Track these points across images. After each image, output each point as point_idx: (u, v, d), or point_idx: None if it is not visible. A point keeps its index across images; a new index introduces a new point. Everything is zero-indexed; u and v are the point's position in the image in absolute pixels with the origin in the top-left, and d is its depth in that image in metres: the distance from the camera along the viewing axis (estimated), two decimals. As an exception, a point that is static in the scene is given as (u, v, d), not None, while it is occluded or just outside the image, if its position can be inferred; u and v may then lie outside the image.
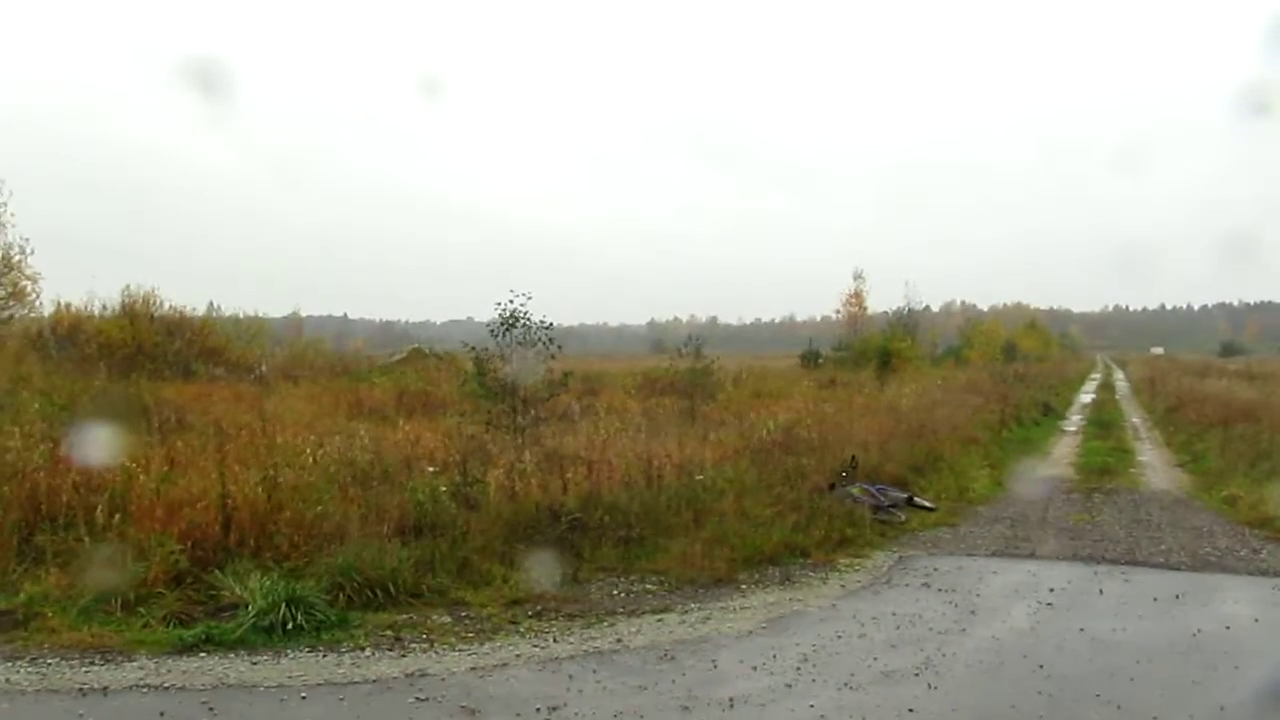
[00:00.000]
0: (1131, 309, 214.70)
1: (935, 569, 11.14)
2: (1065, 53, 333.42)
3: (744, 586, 10.25)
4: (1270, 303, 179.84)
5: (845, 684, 7.30)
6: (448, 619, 8.90)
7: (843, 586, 10.44)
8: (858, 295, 60.13)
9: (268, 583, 8.62)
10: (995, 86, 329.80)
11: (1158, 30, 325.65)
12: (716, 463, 14.17)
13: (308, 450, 12.52)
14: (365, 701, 6.94)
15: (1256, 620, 9.27)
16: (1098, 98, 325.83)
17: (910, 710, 6.76)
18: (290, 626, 8.21)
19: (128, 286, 33.46)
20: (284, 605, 8.33)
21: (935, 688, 7.25)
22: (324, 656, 7.87)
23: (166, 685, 7.17)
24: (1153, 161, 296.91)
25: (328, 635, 8.30)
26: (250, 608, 8.36)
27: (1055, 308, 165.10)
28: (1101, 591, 10.19)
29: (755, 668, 7.65)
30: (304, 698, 6.96)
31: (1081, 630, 8.73)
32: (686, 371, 25.88)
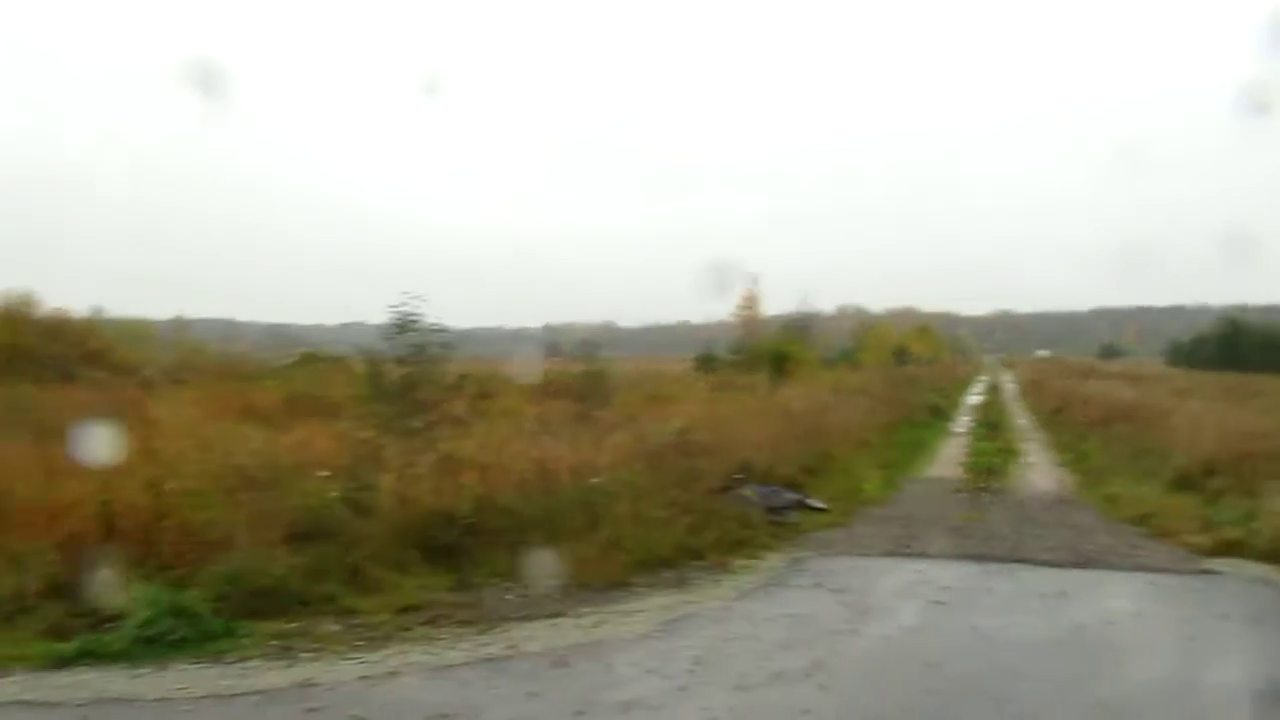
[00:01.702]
0: (1018, 312, 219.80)
1: (828, 570, 11.28)
2: (953, 57, 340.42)
3: (639, 590, 10.27)
4: (1148, 307, 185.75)
5: (738, 686, 7.35)
6: (338, 627, 8.78)
7: (736, 588, 10.51)
8: (751, 299, 60.53)
9: (151, 592, 8.40)
10: (883, 91, 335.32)
11: (1044, 38, 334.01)
12: (611, 466, 14.15)
13: (194, 456, 12.22)
14: (252, 713, 6.81)
15: (1136, 614, 9.60)
16: (985, 101, 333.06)
17: (803, 711, 6.84)
18: (174, 637, 8.03)
19: (5, 289, 32.44)
20: (168, 615, 8.14)
21: (827, 688, 7.34)
22: (209, 668, 7.71)
23: (43, 701, 6.97)
24: (1036, 169, 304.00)
25: (213, 646, 8.12)
26: (133, 618, 8.14)
27: (945, 311, 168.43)
28: (989, 589, 10.43)
29: (649, 671, 7.67)
30: (187, 711, 6.81)
31: (970, 628, 8.95)
32: (581, 375, 25.85)
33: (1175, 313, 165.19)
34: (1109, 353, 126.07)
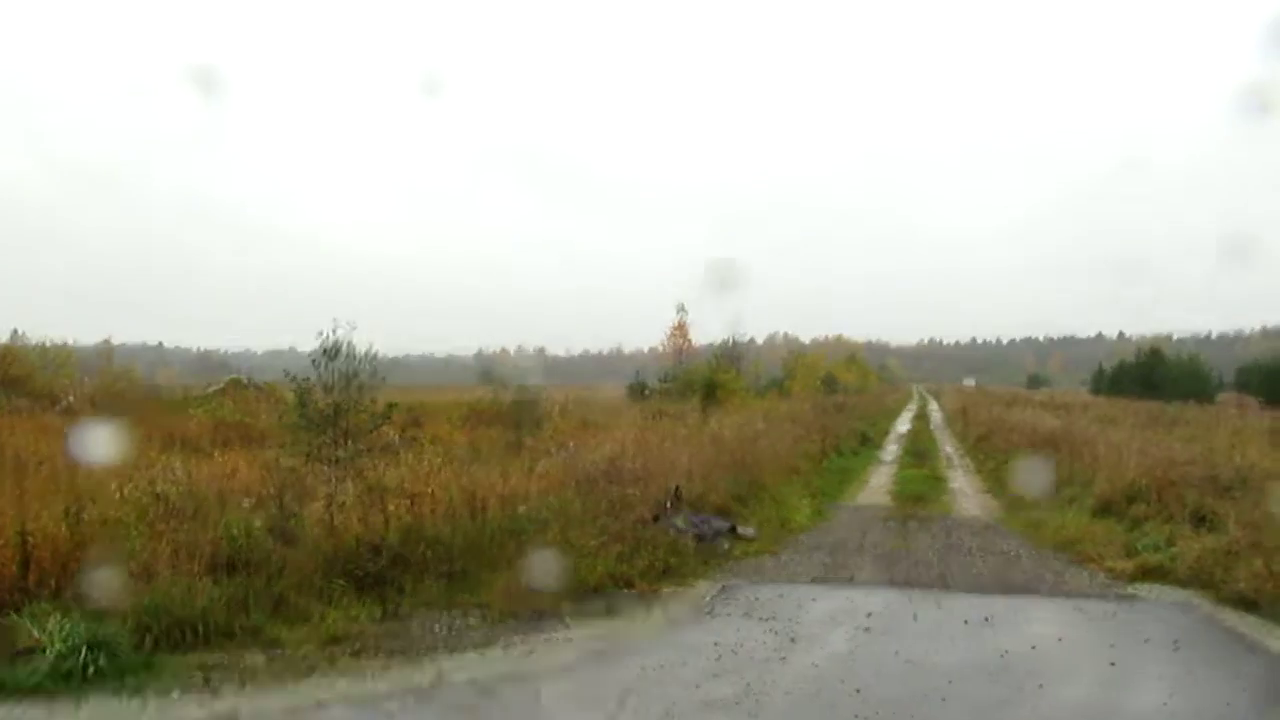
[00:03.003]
0: (945, 342, 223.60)
1: (757, 598, 11.30)
2: (882, 93, 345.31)
3: (568, 619, 10.20)
4: (1072, 337, 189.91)
5: (667, 714, 7.33)
6: (262, 658, 8.63)
7: (666, 616, 10.50)
8: (682, 327, 60.67)
9: (68, 625, 8.19)
10: (815, 127, 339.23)
11: (981, 74, 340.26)
12: (541, 494, 14.11)
13: (114, 484, 11.97)
14: (171, 747, 6.66)
15: (1060, 640, 9.68)
16: (918, 137, 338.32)
17: (731, 739, 6.83)
18: (92, 671, 7.83)
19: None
20: (85, 648, 7.93)
21: (756, 716, 7.35)
22: (128, 701, 7.53)
23: (-47, 737, 6.76)
24: (964, 204, 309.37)
25: (132, 679, 7.94)
26: (49, 651, 7.93)
27: (874, 340, 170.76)
28: (916, 616, 10.50)
29: (579, 701, 7.64)
30: (104, 745, 6.64)
31: (896, 654, 8.99)
32: (512, 403, 25.78)
33: (1098, 343, 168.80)
34: (1035, 382, 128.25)
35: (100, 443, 13.08)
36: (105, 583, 9.23)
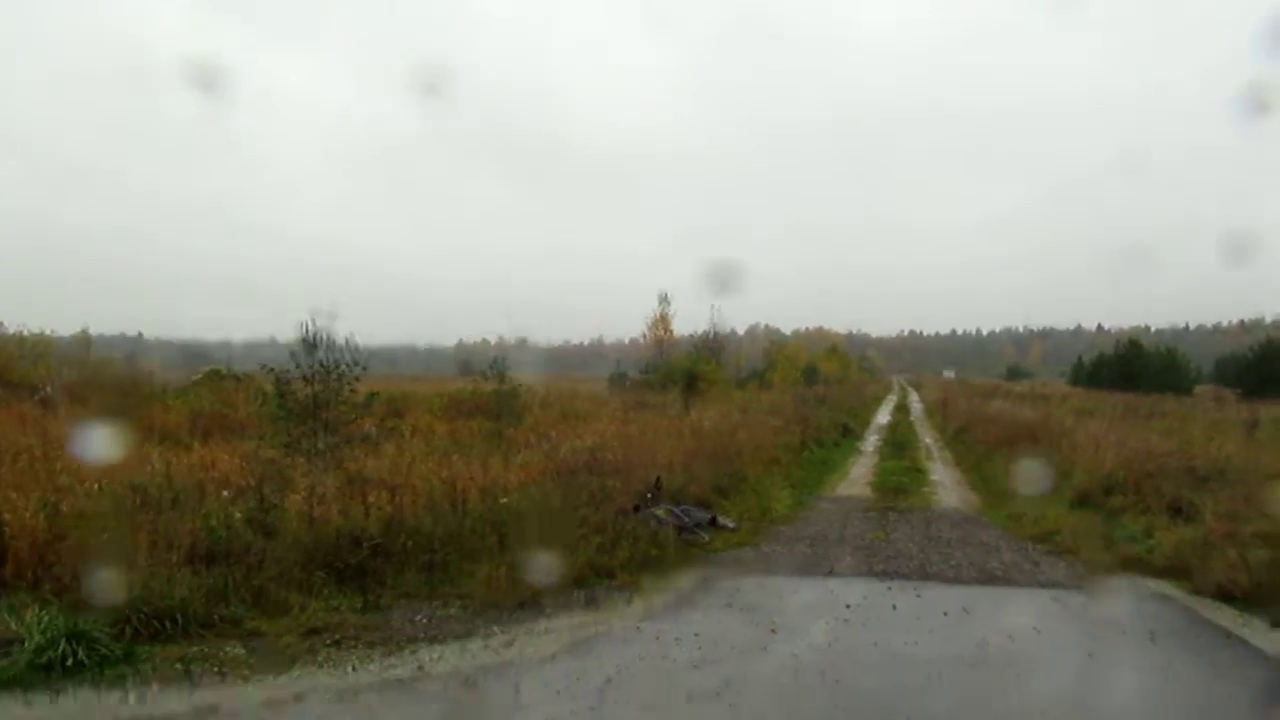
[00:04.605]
0: (926, 334, 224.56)
1: (737, 589, 11.32)
2: (865, 72, 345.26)
3: (549, 610, 10.19)
4: (1052, 329, 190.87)
5: (648, 706, 7.35)
6: (241, 650, 8.60)
7: (647, 607, 10.50)
8: (663, 318, 60.83)
9: (46, 617, 8.16)
10: (797, 111, 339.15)
11: (975, 56, 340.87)
12: (522, 485, 14.12)
13: (92, 476, 11.93)
14: (150, 739, 6.64)
15: (1037, 630, 9.75)
16: (902, 128, 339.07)
17: (711, 730, 6.85)
18: (70, 663, 7.79)
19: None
20: (64, 640, 7.90)
21: (736, 706, 7.37)
22: (107, 693, 7.50)
23: (-70, 730, 6.73)
24: (948, 193, 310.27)
25: (111, 671, 7.91)
26: (27, 644, 7.90)
27: (855, 332, 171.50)
28: (895, 607, 10.53)
29: (559, 692, 7.62)
30: (83, 738, 6.62)
31: (876, 645, 9.02)
32: (493, 393, 25.75)
33: (1078, 335, 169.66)
34: (1014, 373, 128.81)
35: (79, 434, 13.03)
36: (84, 574, 9.21)
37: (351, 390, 15.59)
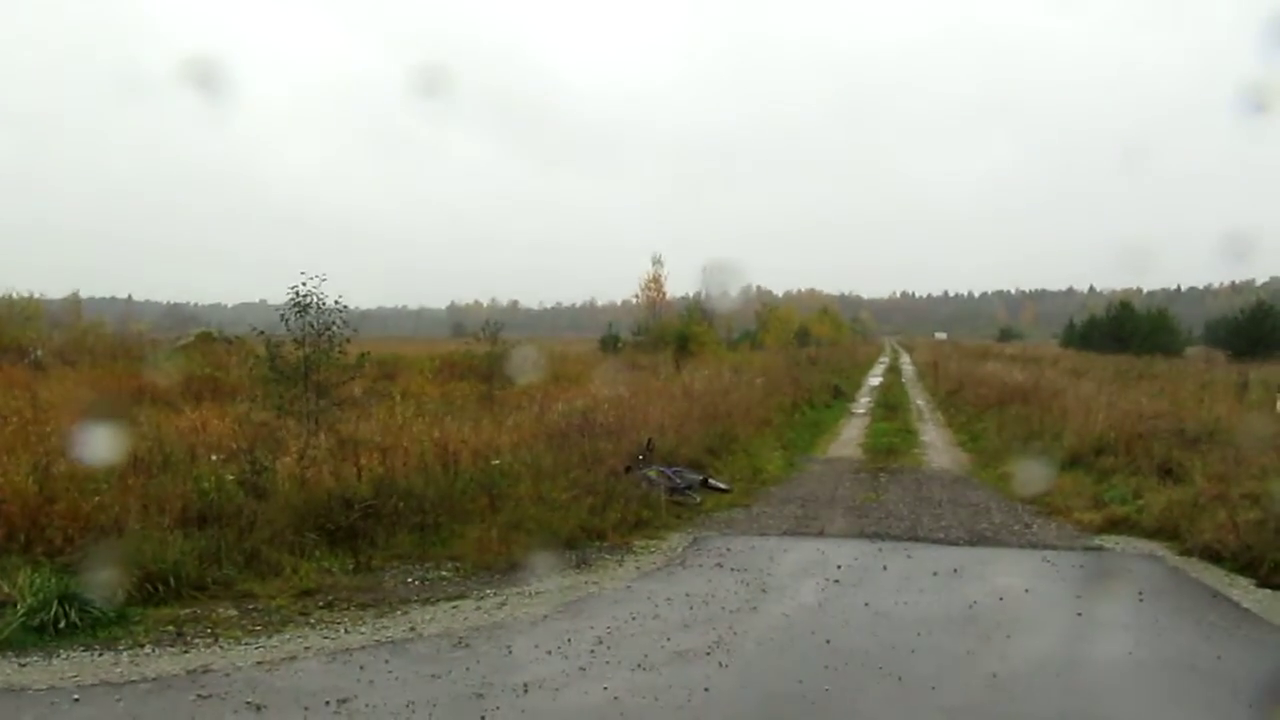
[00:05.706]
0: (918, 295, 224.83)
1: (728, 549, 11.37)
2: (872, 32, 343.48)
3: (540, 571, 10.23)
4: (1044, 290, 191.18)
5: (639, 665, 7.38)
6: (234, 612, 8.63)
7: (638, 568, 10.56)
8: (656, 280, 60.72)
9: (39, 579, 8.18)
10: (801, 75, 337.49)
11: (981, 27, 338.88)
12: (514, 447, 14.13)
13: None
14: (143, 701, 6.65)
15: (1027, 591, 9.80)
16: (907, 77, 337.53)
17: (703, 689, 6.88)
18: (63, 625, 7.84)
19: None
20: (56, 602, 7.93)
21: (727, 666, 7.40)
22: (100, 655, 7.52)
23: (-76, 691, 6.73)
24: (940, 153, 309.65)
25: (104, 633, 7.95)
26: (20, 606, 7.92)
27: (846, 293, 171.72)
28: (885, 567, 10.59)
29: (550, 652, 7.66)
30: (76, 699, 6.62)
31: (866, 605, 9.07)
32: (485, 355, 25.71)
33: (1069, 296, 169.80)
34: (1006, 335, 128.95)
35: (67, 395, 12.99)
36: (75, 536, 9.22)
37: (341, 352, 15.58)
